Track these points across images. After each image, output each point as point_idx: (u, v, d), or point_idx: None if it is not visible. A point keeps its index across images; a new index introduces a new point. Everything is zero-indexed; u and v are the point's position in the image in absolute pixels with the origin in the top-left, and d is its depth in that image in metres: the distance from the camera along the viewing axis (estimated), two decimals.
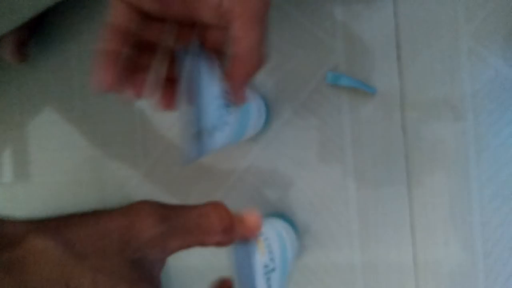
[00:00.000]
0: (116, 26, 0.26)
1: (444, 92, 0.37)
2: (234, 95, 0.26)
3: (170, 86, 0.26)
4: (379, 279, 0.37)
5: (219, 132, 0.26)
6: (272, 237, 0.31)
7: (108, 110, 0.40)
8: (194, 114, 0.24)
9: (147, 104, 0.40)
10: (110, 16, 0.26)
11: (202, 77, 0.25)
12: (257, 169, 0.39)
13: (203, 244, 0.23)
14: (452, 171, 0.37)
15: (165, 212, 0.22)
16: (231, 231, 0.23)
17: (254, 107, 0.34)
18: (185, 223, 0.22)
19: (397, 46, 0.38)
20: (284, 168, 0.39)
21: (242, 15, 0.24)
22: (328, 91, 0.38)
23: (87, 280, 0.20)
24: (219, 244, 0.23)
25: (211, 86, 0.25)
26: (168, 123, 0.40)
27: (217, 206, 0.24)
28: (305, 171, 0.39)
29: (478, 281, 0.37)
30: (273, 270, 0.27)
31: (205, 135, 0.25)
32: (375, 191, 0.38)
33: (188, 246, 0.23)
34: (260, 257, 0.26)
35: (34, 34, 0.40)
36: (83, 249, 0.20)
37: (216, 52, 0.27)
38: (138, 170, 0.40)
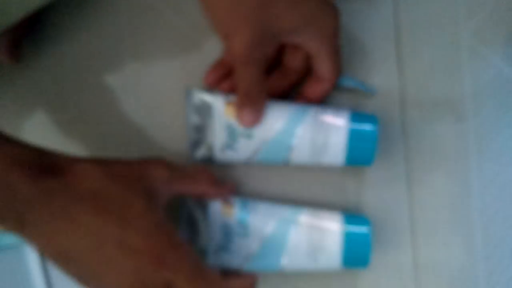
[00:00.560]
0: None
1: (444, 92, 0.37)
2: (237, 115, 0.34)
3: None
4: (379, 280, 0.37)
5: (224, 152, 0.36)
6: (262, 215, 0.35)
7: (103, 111, 0.40)
8: None
9: (143, 105, 0.40)
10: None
11: None
12: (256, 171, 0.39)
13: (194, 191, 0.34)
14: (453, 172, 0.37)
15: (170, 165, 0.32)
16: (214, 186, 0.34)
17: (292, 131, 0.34)
18: (182, 174, 0.33)
19: (397, 45, 0.37)
20: (283, 169, 0.38)
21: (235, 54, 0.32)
22: None
23: (115, 192, 0.29)
24: (206, 194, 0.34)
25: None
26: (164, 125, 0.40)
27: (205, 168, 0.35)
28: (303, 171, 0.38)
29: (478, 283, 0.36)
30: (240, 235, 0.35)
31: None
32: (374, 192, 0.38)
33: (183, 190, 0.33)
34: (221, 216, 0.35)
35: (27, 34, 0.40)
36: (115, 176, 0.30)
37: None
38: None
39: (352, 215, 0.35)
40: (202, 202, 0.35)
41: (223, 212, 0.35)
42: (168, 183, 0.32)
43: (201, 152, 0.36)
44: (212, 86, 0.37)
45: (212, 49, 0.39)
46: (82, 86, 0.40)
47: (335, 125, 0.34)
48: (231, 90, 0.37)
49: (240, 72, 0.33)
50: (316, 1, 0.31)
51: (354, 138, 0.33)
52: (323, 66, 0.34)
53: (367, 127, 0.34)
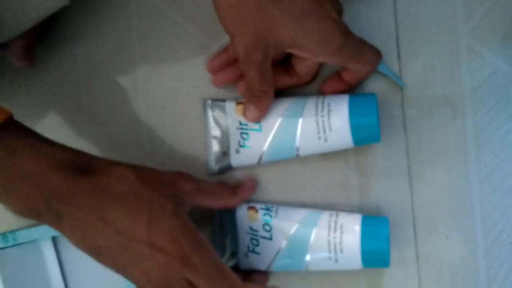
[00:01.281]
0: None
1: (443, 89, 0.38)
2: (243, 110, 0.36)
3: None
4: (382, 273, 0.38)
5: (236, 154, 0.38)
6: (284, 218, 0.37)
7: (115, 111, 0.41)
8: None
9: (154, 105, 0.41)
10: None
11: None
12: (260, 166, 0.40)
13: (215, 206, 0.36)
14: (453, 167, 0.38)
15: (194, 179, 0.35)
16: (233, 197, 0.37)
17: (287, 124, 0.36)
18: (205, 189, 0.35)
19: (397, 44, 0.38)
20: (287, 165, 0.39)
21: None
22: None
23: (145, 194, 0.30)
24: (227, 206, 0.36)
25: None
26: (175, 123, 0.41)
27: (224, 182, 0.37)
28: (307, 168, 0.39)
29: (479, 274, 0.37)
30: (265, 238, 0.37)
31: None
32: (376, 187, 0.39)
33: (205, 205, 0.35)
34: (247, 221, 0.37)
35: (41, 39, 0.41)
36: (146, 180, 0.31)
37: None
38: None
39: (371, 216, 0.36)
40: (230, 210, 0.37)
41: (249, 217, 0.37)
42: (192, 196, 0.34)
43: (220, 163, 0.39)
44: (214, 73, 0.39)
45: None
46: (94, 88, 0.41)
47: (336, 107, 0.35)
48: (231, 79, 0.38)
49: (243, 71, 0.34)
50: (318, 16, 0.32)
51: (356, 116, 0.34)
52: (350, 68, 0.36)
53: (367, 104, 0.35)
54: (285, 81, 0.37)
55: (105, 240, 0.29)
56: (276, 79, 0.36)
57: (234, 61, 0.38)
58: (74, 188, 0.29)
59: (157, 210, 0.30)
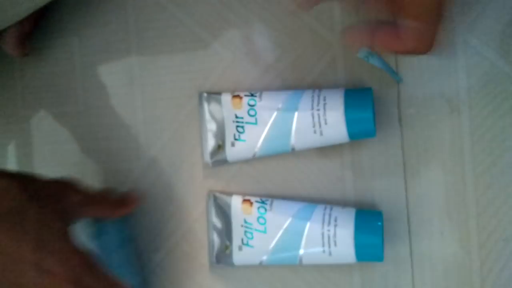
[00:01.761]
0: None
1: (440, 86, 0.38)
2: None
3: None
4: (376, 268, 0.38)
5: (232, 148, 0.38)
6: (279, 211, 0.37)
7: (110, 102, 0.41)
8: None
9: (149, 98, 0.41)
10: None
11: None
12: (256, 160, 0.40)
13: (98, 215, 0.35)
14: (448, 163, 0.38)
15: (83, 189, 0.33)
16: (113, 209, 0.35)
17: (283, 114, 0.36)
18: (92, 199, 0.34)
19: None
20: (282, 159, 0.39)
21: None
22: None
23: (32, 212, 0.28)
24: (107, 217, 0.36)
25: None
26: (170, 116, 0.41)
27: (109, 192, 0.36)
28: (302, 162, 0.39)
29: (473, 271, 0.37)
30: (259, 231, 0.37)
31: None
32: (372, 183, 0.39)
33: (90, 214, 0.34)
34: (242, 214, 0.38)
35: (36, 28, 0.41)
36: (33, 195, 0.29)
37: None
38: (140, 163, 0.41)
39: (365, 210, 0.36)
40: (225, 204, 0.38)
41: (244, 210, 0.37)
42: (81, 207, 0.33)
43: (215, 157, 0.39)
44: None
45: (217, 46, 0.40)
46: (90, 79, 0.41)
47: (332, 101, 0.35)
48: None
49: None
50: None
51: (351, 110, 0.34)
52: (409, 26, 0.28)
53: (362, 97, 0.35)
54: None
55: None
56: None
57: None
58: None
59: (45, 229, 0.28)
